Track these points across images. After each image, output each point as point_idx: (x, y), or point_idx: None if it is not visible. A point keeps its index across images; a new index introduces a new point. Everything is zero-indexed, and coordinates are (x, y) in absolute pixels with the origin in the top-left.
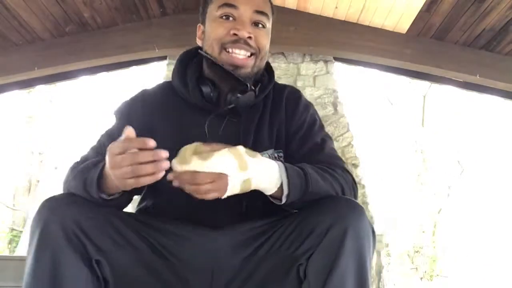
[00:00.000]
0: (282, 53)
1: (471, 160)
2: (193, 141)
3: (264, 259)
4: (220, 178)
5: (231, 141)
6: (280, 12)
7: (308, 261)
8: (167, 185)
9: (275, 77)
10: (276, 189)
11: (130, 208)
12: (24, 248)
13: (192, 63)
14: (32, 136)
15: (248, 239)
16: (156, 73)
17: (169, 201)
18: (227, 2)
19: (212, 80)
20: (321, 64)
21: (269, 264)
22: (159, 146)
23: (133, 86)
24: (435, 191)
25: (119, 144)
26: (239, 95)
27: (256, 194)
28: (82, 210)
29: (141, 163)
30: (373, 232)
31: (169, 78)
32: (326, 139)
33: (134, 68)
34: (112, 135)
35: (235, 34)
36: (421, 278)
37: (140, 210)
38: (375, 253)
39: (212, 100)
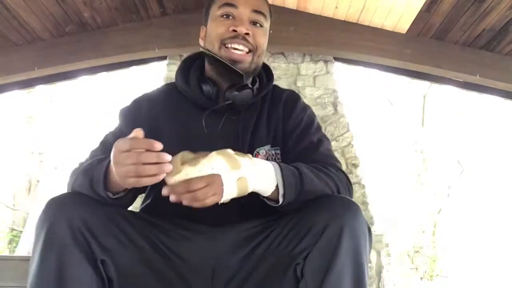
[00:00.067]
0: (282, 53)
1: (471, 160)
2: (193, 139)
3: (262, 258)
4: (214, 180)
5: (230, 138)
6: (280, 12)
7: (305, 260)
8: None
9: (276, 77)
10: (273, 189)
11: (132, 207)
12: (24, 248)
13: (195, 64)
14: (32, 136)
15: (246, 238)
16: (156, 73)
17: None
18: (227, 2)
19: (212, 80)
20: (321, 64)
21: (267, 263)
22: (165, 146)
23: (133, 86)
24: (435, 191)
25: (126, 142)
26: (236, 92)
27: (253, 193)
28: (89, 209)
29: (145, 164)
30: (369, 230)
31: (169, 78)
32: (323, 139)
33: (134, 68)
34: (117, 136)
35: (234, 31)
36: (421, 278)
37: (143, 209)
38: (375, 253)
39: (211, 97)
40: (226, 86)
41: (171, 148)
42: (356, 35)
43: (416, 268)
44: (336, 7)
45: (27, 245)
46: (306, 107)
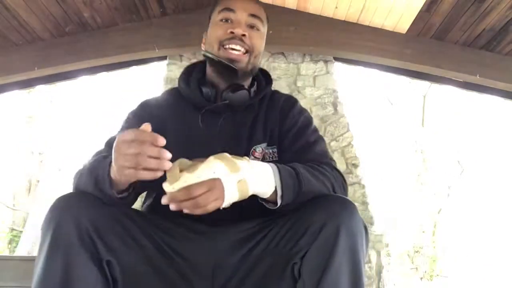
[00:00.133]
0: (282, 53)
1: (471, 160)
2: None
3: (261, 258)
4: (214, 184)
5: (227, 137)
6: (280, 12)
7: (303, 259)
8: None
9: (276, 77)
10: (273, 190)
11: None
12: (24, 248)
13: (196, 69)
14: (32, 136)
15: (244, 238)
16: (156, 73)
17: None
18: (226, 7)
19: (213, 82)
20: (321, 64)
21: (266, 262)
22: (169, 147)
23: (133, 86)
24: (435, 191)
25: (131, 132)
26: (230, 93)
27: (253, 195)
28: (95, 210)
29: (145, 156)
30: (366, 228)
31: (169, 78)
32: (319, 140)
33: (134, 68)
34: None
35: (231, 32)
36: (421, 278)
37: (144, 209)
38: (375, 253)
39: (210, 98)
40: (225, 87)
41: (178, 148)
42: (356, 35)
43: (416, 268)
44: (336, 7)
45: (27, 245)
46: (303, 110)
